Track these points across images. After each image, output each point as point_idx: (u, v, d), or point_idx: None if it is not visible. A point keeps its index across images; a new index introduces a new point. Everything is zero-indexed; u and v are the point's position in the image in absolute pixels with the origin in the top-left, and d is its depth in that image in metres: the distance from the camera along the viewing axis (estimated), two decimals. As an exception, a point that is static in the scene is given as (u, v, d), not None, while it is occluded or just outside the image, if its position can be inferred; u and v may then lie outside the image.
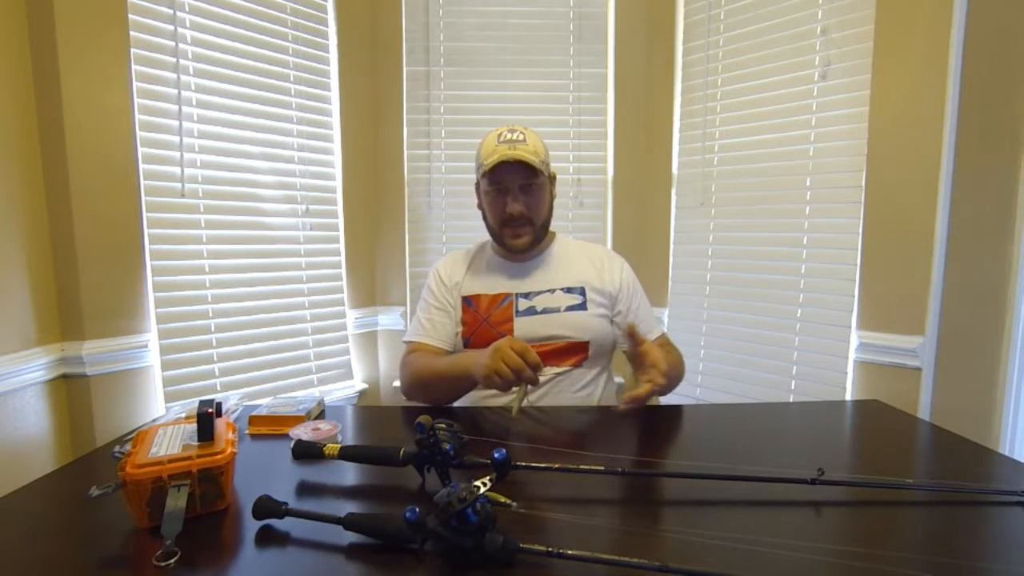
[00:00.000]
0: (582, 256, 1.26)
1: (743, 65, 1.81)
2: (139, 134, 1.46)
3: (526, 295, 1.19)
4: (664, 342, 1.22)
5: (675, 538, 0.64)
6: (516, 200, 1.17)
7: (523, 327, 1.16)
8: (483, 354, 1.00)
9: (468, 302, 1.22)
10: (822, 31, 1.64)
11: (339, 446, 0.81)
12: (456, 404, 1.27)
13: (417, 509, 0.57)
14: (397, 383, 2.06)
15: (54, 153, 1.35)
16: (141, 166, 1.47)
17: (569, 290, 1.19)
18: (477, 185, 1.26)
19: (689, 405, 1.18)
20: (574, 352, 1.17)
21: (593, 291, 1.20)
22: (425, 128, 2.04)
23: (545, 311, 1.18)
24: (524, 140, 1.15)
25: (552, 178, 1.23)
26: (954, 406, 1.41)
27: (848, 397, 1.57)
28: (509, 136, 1.16)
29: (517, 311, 1.18)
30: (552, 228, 1.30)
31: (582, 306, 1.19)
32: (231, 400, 1.12)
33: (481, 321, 1.19)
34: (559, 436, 0.99)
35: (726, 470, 0.75)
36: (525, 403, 1.07)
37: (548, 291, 1.19)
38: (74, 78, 1.35)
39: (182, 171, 1.55)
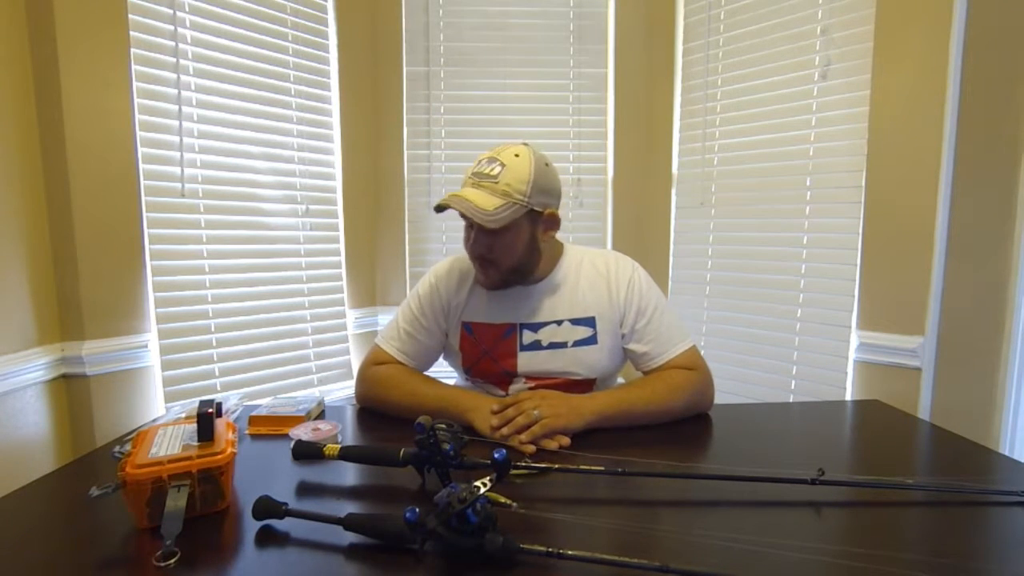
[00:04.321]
0: (592, 273, 1.10)
1: (743, 65, 1.81)
2: (139, 134, 1.46)
3: (532, 326, 1.07)
4: (675, 365, 1.05)
5: (675, 538, 0.64)
6: (477, 240, 1.01)
7: (527, 363, 1.07)
8: (480, 407, 0.96)
9: (468, 328, 1.10)
10: (822, 31, 1.64)
11: (339, 446, 0.81)
12: None
13: (417, 509, 0.57)
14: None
15: (54, 154, 1.35)
16: (141, 166, 1.47)
17: (577, 321, 1.07)
18: None
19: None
20: (579, 386, 1.08)
21: (604, 320, 1.07)
22: (425, 128, 2.04)
23: (551, 346, 1.07)
24: (495, 176, 0.96)
25: (543, 217, 1.02)
26: (954, 406, 1.41)
27: (848, 397, 1.57)
28: (485, 168, 0.98)
29: (521, 344, 1.07)
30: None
31: (592, 340, 1.07)
32: (231, 400, 1.12)
33: (482, 353, 1.09)
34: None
35: (726, 470, 0.75)
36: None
37: (555, 323, 1.07)
38: (74, 79, 1.35)
39: (182, 171, 1.55)
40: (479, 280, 1.07)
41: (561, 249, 1.14)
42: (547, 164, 1.02)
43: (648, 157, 2.07)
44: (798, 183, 1.70)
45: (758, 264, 1.79)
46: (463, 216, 0.99)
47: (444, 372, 1.18)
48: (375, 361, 1.11)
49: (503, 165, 0.97)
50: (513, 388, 1.10)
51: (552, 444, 0.89)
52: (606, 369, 1.10)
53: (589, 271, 1.11)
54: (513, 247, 1.01)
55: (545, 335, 1.07)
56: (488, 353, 1.09)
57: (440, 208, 0.99)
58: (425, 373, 1.13)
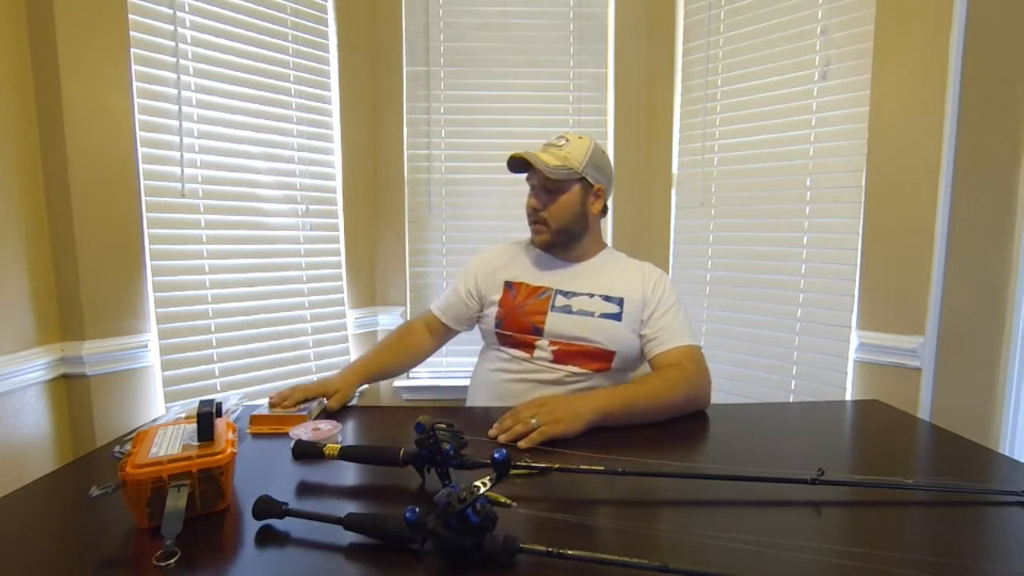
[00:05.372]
0: (627, 268, 1.27)
1: (743, 65, 1.81)
2: (139, 134, 1.46)
3: (566, 293, 1.21)
4: (676, 360, 1.12)
5: (675, 538, 0.64)
6: (534, 197, 1.23)
7: (554, 323, 1.18)
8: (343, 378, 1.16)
9: (509, 286, 1.25)
10: (822, 31, 1.64)
11: (339, 446, 0.82)
12: (472, 389, 1.33)
13: (417, 509, 0.57)
14: (396, 382, 2.06)
15: (54, 153, 1.35)
16: (141, 166, 1.47)
17: (608, 298, 1.20)
18: None
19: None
20: (599, 358, 1.17)
21: (631, 303, 1.19)
22: (425, 128, 2.04)
23: (580, 313, 1.18)
24: (561, 146, 1.21)
25: (594, 188, 1.22)
26: (954, 406, 1.41)
27: (848, 397, 1.57)
28: (554, 141, 1.23)
29: (553, 306, 1.20)
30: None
31: (617, 316, 1.18)
32: (231, 400, 1.12)
33: (516, 307, 1.22)
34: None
35: (726, 470, 0.75)
36: None
37: (587, 295, 1.20)
38: (74, 78, 1.35)
39: (182, 171, 1.55)
40: (533, 239, 1.27)
41: (604, 246, 1.32)
42: (603, 152, 1.26)
43: (648, 157, 2.07)
44: (798, 183, 1.70)
45: (758, 264, 1.79)
46: (528, 177, 1.24)
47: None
48: (423, 314, 1.38)
49: (568, 141, 1.22)
50: (537, 354, 1.18)
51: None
52: (626, 344, 1.18)
53: (625, 266, 1.28)
54: (565, 207, 1.20)
55: (576, 303, 1.20)
56: (521, 307, 1.22)
57: (513, 161, 1.20)
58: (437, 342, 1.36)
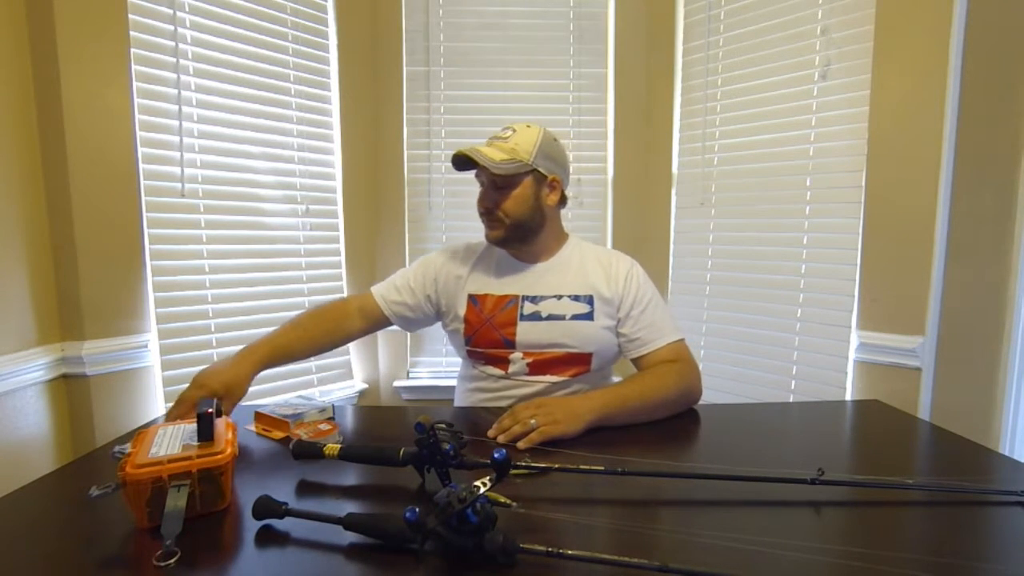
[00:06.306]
0: (594, 261, 1.20)
1: (743, 65, 1.81)
2: (139, 134, 1.46)
3: (533, 299, 1.15)
4: (664, 358, 1.12)
5: (675, 538, 0.64)
6: (485, 195, 1.14)
7: (526, 332, 1.13)
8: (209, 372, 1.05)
9: (474, 300, 1.18)
10: (822, 31, 1.64)
11: (339, 446, 0.81)
12: (456, 405, 1.29)
13: (417, 509, 0.57)
14: (396, 383, 2.06)
15: (54, 153, 1.35)
16: (141, 166, 1.47)
17: (577, 298, 1.15)
18: None
19: (689, 405, 1.17)
20: (576, 363, 1.14)
21: (601, 300, 1.14)
22: (425, 128, 2.04)
23: (550, 318, 1.13)
24: (507, 138, 1.12)
25: (547, 180, 1.14)
26: (954, 406, 1.41)
27: (848, 397, 1.57)
28: (500, 133, 1.14)
29: (522, 315, 1.14)
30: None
31: (589, 316, 1.14)
32: (231, 400, 1.11)
33: (484, 321, 1.16)
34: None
35: (726, 470, 0.75)
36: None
37: (555, 297, 1.15)
38: (74, 78, 1.35)
39: (182, 171, 1.55)
40: (487, 234, 1.17)
41: (566, 237, 1.25)
42: (555, 139, 1.17)
43: (648, 157, 2.07)
44: (798, 183, 1.70)
45: (758, 264, 1.79)
46: (476, 174, 1.15)
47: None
48: (355, 296, 1.24)
49: (514, 131, 1.13)
50: (512, 369, 1.14)
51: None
52: (602, 343, 1.15)
53: (591, 259, 1.21)
54: (518, 201, 1.12)
55: (545, 307, 1.15)
56: (489, 320, 1.15)
57: (456, 159, 1.11)
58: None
